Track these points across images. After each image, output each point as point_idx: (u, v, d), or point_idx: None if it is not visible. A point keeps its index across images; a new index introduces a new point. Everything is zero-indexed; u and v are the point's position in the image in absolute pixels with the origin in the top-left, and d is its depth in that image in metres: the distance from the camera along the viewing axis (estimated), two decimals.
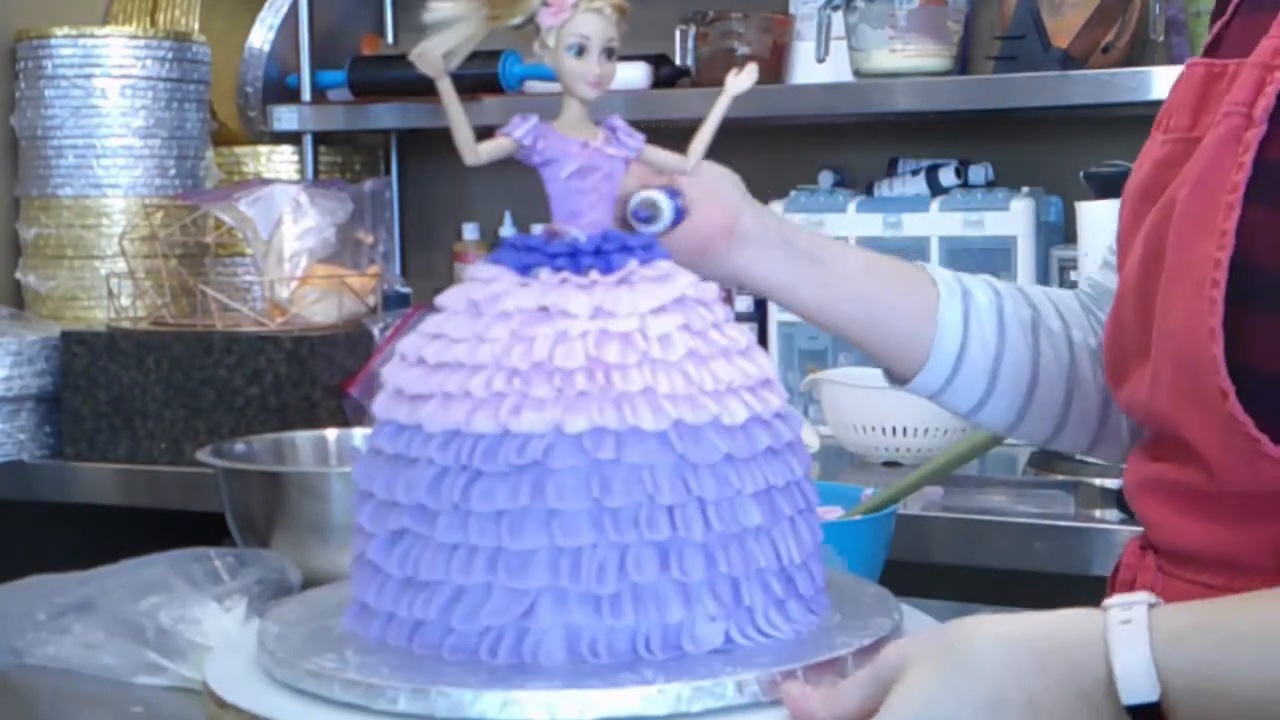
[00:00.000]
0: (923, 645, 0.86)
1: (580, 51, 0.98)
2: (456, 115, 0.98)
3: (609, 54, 0.98)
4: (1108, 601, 0.84)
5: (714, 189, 1.10)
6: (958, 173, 2.46)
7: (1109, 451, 1.25)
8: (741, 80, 1.00)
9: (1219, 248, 0.93)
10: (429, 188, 3.00)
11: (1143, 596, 0.83)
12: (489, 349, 0.93)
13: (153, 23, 2.76)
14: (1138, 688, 0.80)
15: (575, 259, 0.96)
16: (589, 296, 0.94)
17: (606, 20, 0.97)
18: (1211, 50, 1.06)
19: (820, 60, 2.40)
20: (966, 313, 1.18)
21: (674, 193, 1.08)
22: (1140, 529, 1.09)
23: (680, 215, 1.08)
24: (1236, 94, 0.97)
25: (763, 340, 2.47)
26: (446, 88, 0.98)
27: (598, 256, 0.96)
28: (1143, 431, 1.22)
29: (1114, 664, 0.81)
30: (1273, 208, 0.93)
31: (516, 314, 0.94)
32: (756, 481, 0.93)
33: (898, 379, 1.21)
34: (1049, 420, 1.21)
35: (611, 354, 0.91)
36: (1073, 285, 2.23)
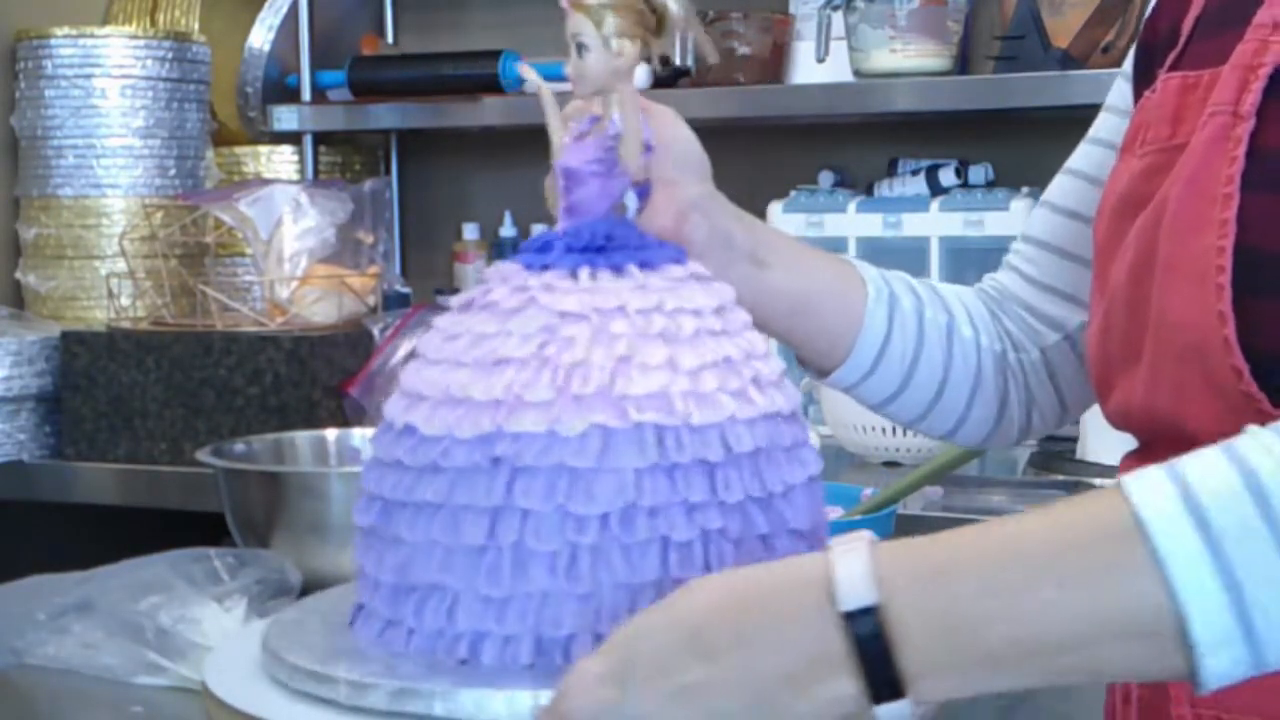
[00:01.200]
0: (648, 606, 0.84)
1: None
2: (553, 123, 1.00)
3: (579, 49, 0.98)
4: (831, 541, 0.80)
5: (671, 187, 1.09)
6: (958, 173, 2.46)
7: (998, 444, 1.31)
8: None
9: (1220, 236, 0.95)
10: (429, 188, 3.00)
11: (865, 533, 0.80)
12: (437, 344, 0.96)
13: (153, 23, 2.76)
14: (856, 593, 0.76)
15: (528, 257, 0.97)
16: (516, 295, 0.95)
17: (574, 14, 0.97)
18: (1176, 68, 1.08)
19: (820, 60, 2.40)
20: (891, 315, 1.21)
21: (643, 191, 1.08)
22: None
23: (639, 212, 1.07)
24: (1220, 95, 0.99)
25: None
26: (549, 98, 1.00)
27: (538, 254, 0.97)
28: (1027, 429, 1.28)
29: (834, 573, 0.76)
30: (1270, 192, 0.95)
31: (456, 309, 0.97)
32: (643, 497, 0.90)
33: (814, 370, 1.24)
34: (951, 416, 1.26)
35: (510, 351, 0.92)
36: None
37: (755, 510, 0.93)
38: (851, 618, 0.76)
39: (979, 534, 0.79)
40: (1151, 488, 0.76)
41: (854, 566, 0.77)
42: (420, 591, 0.93)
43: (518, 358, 0.92)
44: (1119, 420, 1.09)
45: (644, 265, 0.97)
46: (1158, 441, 1.04)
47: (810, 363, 1.24)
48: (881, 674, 0.75)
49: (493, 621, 0.91)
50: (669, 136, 1.09)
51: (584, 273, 0.96)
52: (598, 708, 0.79)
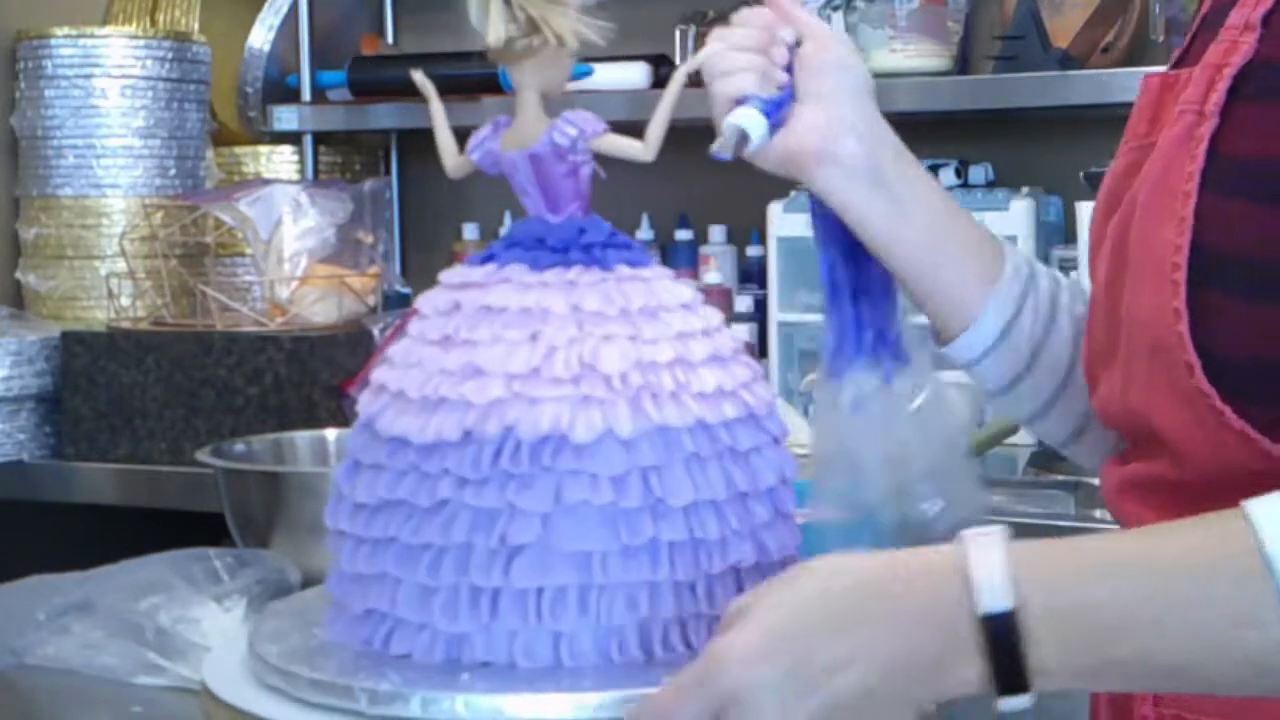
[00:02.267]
0: (766, 584, 0.85)
1: None
2: (442, 132, 1.00)
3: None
4: (964, 532, 0.84)
5: (824, 103, 1.08)
6: (958, 173, 2.46)
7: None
8: (694, 59, 1.01)
9: (1178, 233, 0.96)
10: (429, 188, 3.00)
11: (997, 528, 0.83)
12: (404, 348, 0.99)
13: (153, 23, 2.76)
14: (994, 595, 0.80)
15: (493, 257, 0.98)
16: (469, 295, 0.96)
17: None
18: (1176, 67, 1.09)
19: None
20: (1025, 292, 1.19)
21: (776, 105, 1.06)
22: None
23: (775, 129, 1.05)
24: (1190, 94, 1.00)
25: (762, 340, 2.47)
26: (437, 108, 1.00)
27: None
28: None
29: (971, 572, 0.81)
30: (1226, 196, 0.95)
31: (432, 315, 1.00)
32: (629, 497, 0.91)
33: (939, 337, 1.21)
34: (1073, 420, 1.21)
35: (485, 360, 0.92)
36: None
37: (734, 510, 0.93)
38: (988, 618, 0.80)
39: (1112, 547, 0.84)
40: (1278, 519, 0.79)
41: (992, 568, 0.81)
42: (405, 589, 0.93)
43: (498, 358, 0.92)
44: (1103, 417, 1.09)
45: (605, 265, 0.97)
46: (1136, 439, 1.05)
47: (934, 322, 1.20)
48: (1010, 670, 0.80)
49: (475, 621, 0.91)
50: (824, 50, 1.07)
51: (554, 273, 0.96)
52: (756, 682, 0.80)
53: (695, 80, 2.63)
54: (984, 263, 1.19)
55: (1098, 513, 1.86)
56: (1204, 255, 0.95)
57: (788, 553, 0.97)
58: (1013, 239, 2.29)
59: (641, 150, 0.99)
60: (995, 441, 1.53)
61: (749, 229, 2.62)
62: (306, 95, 2.78)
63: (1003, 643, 0.80)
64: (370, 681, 0.89)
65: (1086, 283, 1.25)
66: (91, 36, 2.53)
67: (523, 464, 0.90)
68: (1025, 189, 2.37)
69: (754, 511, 0.94)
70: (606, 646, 0.90)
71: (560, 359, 0.92)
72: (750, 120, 1.04)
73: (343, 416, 2.22)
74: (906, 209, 1.15)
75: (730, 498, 0.93)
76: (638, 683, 0.87)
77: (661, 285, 0.98)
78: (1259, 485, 0.85)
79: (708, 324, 0.98)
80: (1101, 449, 1.20)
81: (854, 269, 1.16)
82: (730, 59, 1.10)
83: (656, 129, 1.00)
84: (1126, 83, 2.14)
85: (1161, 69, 1.14)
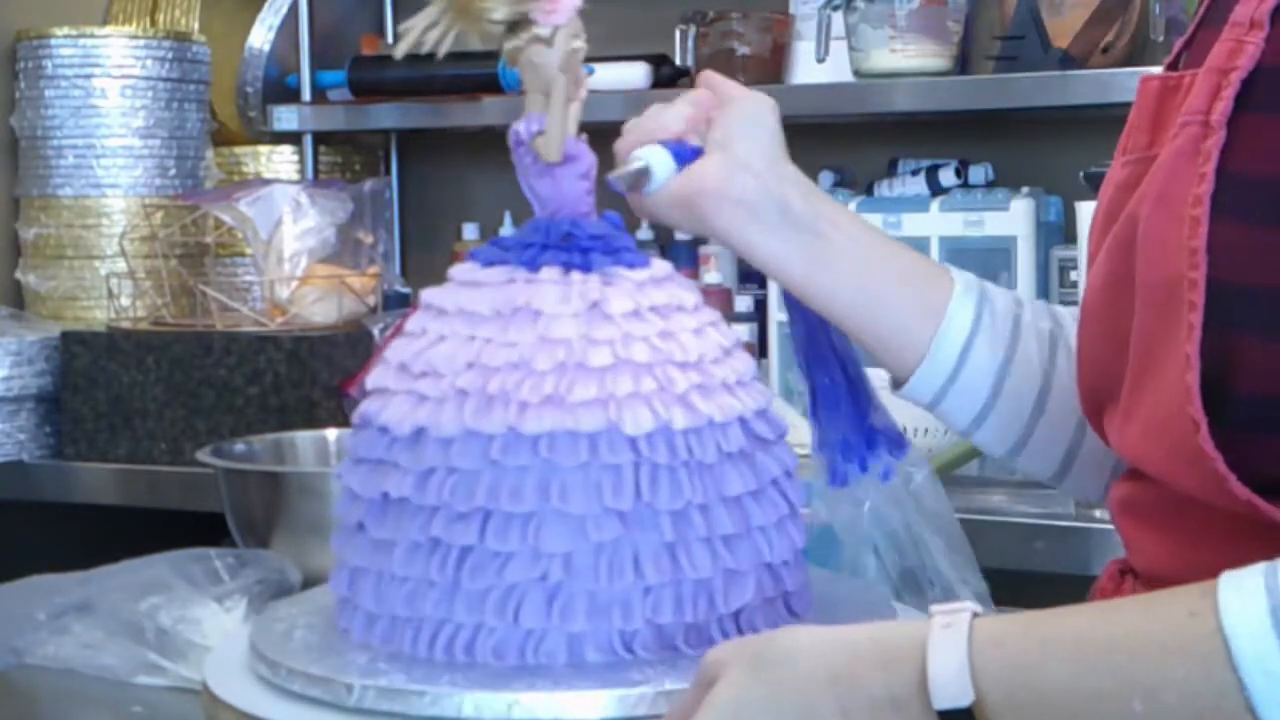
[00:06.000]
0: (737, 649, 0.83)
1: None
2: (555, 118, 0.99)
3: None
4: (934, 608, 0.81)
5: (725, 148, 1.07)
6: (958, 173, 2.46)
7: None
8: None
9: (1190, 267, 0.86)
10: (429, 188, 3.00)
11: (968, 604, 0.80)
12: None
13: (153, 23, 2.76)
14: (950, 691, 0.77)
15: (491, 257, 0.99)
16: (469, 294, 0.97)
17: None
18: (1171, 67, 1.01)
19: (820, 60, 2.40)
20: (979, 313, 1.10)
21: (682, 152, 1.06)
22: (1120, 553, 1.04)
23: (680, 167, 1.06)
24: (1193, 102, 0.90)
25: (762, 340, 2.47)
26: (558, 93, 0.99)
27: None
28: None
29: (929, 666, 0.77)
30: (1240, 221, 0.86)
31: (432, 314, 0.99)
32: (623, 499, 0.91)
33: (895, 381, 1.14)
34: (1059, 447, 1.12)
35: (486, 358, 0.93)
36: (1073, 285, 2.23)
37: (725, 511, 0.93)
38: (945, 714, 0.77)
39: (1073, 628, 0.79)
40: (1244, 601, 0.74)
41: (948, 661, 0.77)
42: (406, 587, 0.93)
43: (500, 356, 0.92)
44: (1109, 442, 1.01)
45: (605, 264, 0.97)
46: (1133, 468, 0.97)
47: (887, 365, 1.13)
48: None
49: (478, 619, 0.91)
50: (736, 107, 1.07)
51: (555, 271, 0.96)
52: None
53: (696, 81, 2.63)
54: (926, 293, 1.11)
55: (1097, 513, 1.86)
56: (1221, 292, 0.85)
57: (789, 553, 0.97)
58: (1013, 239, 2.29)
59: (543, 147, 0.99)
60: (948, 470, 1.51)
61: None
62: (306, 95, 2.78)
63: None
64: (372, 680, 0.89)
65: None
66: (91, 36, 2.53)
67: (524, 462, 0.90)
68: (1025, 189, 2.37)
69: (755, 511, 0.95)
70: (609, 646, 0.90)
71: (561, 358, 0.92)
72: (656, 157, 1.04)
73: (343, 416, 2.22)
74: (827, 245, 1.09)
75: (731, 497, 0.93)
76: (641, 682, 0.88)
77: (662, 285, 0.98)
78: (1260, 528, 0.82)
79: (708, 323, 0.98)
80: (1098, 481, 1.13)
81: (827, 371, 1.14)
82: (660, 116, 1.09)
83: (553, 134, 0.98)
84: (1127, 83, 2.14)
85: (1157, 69, 1.08)
